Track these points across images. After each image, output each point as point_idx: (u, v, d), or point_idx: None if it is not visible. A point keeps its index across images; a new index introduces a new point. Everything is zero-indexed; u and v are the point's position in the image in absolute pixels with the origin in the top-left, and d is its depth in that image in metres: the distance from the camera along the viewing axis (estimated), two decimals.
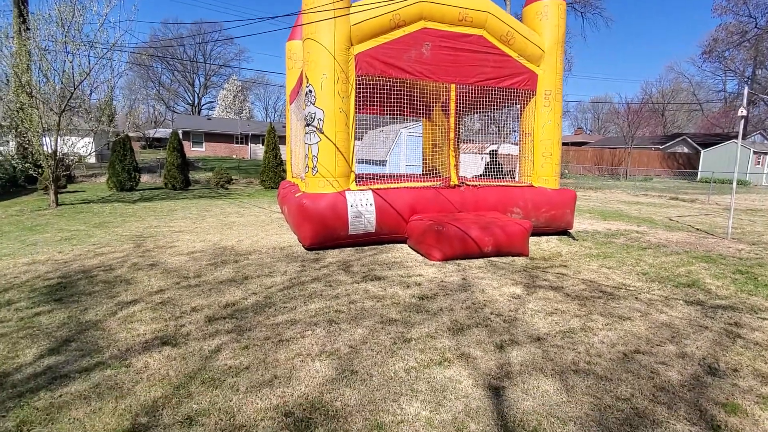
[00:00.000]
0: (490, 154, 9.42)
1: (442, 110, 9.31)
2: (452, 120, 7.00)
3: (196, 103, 64.10)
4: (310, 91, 6.06)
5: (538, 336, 3.32)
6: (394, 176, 7.56)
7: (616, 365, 2.90)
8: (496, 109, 7.38)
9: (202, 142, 38.24)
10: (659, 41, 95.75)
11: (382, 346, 3.03)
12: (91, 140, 17.50)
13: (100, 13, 9.69)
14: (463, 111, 7.19)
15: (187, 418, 2.12)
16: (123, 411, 2.19)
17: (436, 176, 7.43)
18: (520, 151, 7.72)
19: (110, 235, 7.09)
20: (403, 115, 9.39)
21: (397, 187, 6.64)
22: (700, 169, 28.13)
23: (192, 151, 35.79)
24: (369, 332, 3.26)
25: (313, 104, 6.04)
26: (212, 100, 66.51)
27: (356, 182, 6.52)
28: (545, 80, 7.27)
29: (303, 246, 6.26)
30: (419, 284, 4.60)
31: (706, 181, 25.40)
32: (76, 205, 10.97)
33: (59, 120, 10.15)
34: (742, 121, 8.09)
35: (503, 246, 5.97)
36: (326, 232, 6.02)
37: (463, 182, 7.11)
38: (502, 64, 7.01)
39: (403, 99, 7.13)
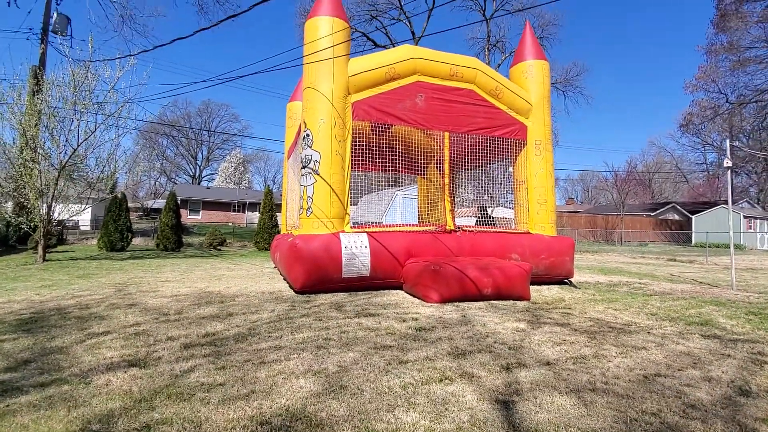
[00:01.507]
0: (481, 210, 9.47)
1: (437, 167, 9.56)
2: (446, 166, 7.12)
3: (197, 174, 65.96)
4: (308, 135, 6.22)
5: (547, 361, 3.01)
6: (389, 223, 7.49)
7: (636, 386, 2.59)
8: (490, 158, 7.56)
9: (199, 210, 38.64)
10: (640, 114, 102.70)
11: (374, 366, 2.72)
12: (89, 206, 17.66)
13: (112, 77, 10.29)
14: (458, 159, 7.36)
15: (145, 426, 1.80)
16: (74, 419, 1.87)
17: (433, 223, 7.38)
18: (514, 199, 7.78)
19: (91, 283, 6.79)
20: (400, 171, 9.62)
21: (393, 231, 6.54)
22: (693, 232, 28.42)
23: (189, 218, 36.02)
24: (361, 356, 2.95)
25: (310, 147, 6.17)
26: (213, 172, 68.58)
27: (351, 225, 6.43)
28: (535, 131, 7.56)
29: (294, 290, 5.98)
30: (416, 319, 4.31)
31: (701, 246, 25.51)
32: (62, 261, 10.67)
33: (58, 176, 10.27)
34: (729, 171, 8.30)
35: (503, 288, 5.72)
36: (319, 275, 5.78)
37: (459, 228, 7.04)
38: (492, 116, 7.33)
39: (399, 153, 7.33)
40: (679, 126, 33.24)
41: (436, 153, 7.87)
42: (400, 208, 16.39)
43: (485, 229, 7.29)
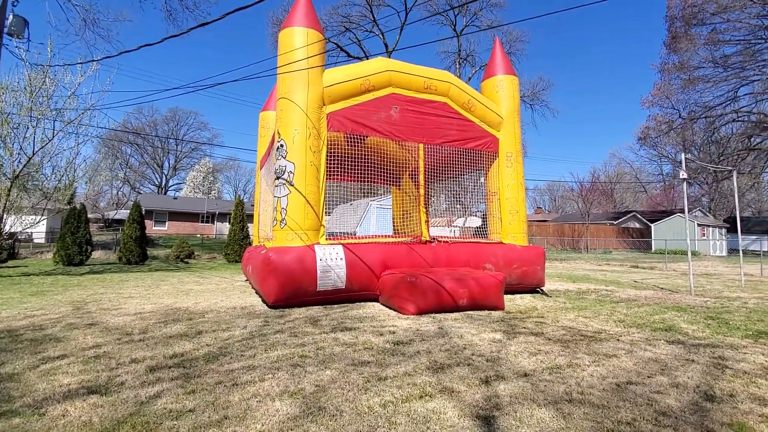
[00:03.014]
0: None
1: (411, 178, 9.63)
2: (421, 177, 7.18)
3: (163, 184, 63.72)
4: (282, 146, 6.13)
5: (524, 372, 3.03)
6: (365, 235, 7.43)
7: (611, 395, 2.64)
8: (463, 169, 7.68)
9: (165, 221, 37.24)
10: (602, 127, 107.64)
11: (353, 384, 2.65)
12: (44, 218, 16.67)
13: (72, 83, 9.84)
14: (432, 170, 7.44)
15: None
16: None
17: (408, 234, 7.39)
18: (487, 210, 7.91)
19: (46, 301, 6.36)
20: (375, 182, 9.62)
21: (369, 242, 6.50)
22: (653, 242, 29.90)
23: (154, 230, 34.62)
24: (339, 373, 2.88)
25: (284, 158, 6.07)
26: (181, 181, 66.46)
27: (326, 237, 6.34)
28: (506, 143, 7.75)
29: (266, 304, 5.81)
30: (393, 332, 4.26)
31: (660, 252, 26.81)
32: (14, 278, 9.97)
33: (10, 186, 9.66)
34: (684, 182, 8.77)
35: (478, 299, 5.77)
36: (293, 287, 5.65)
37: (434, 238, 7.08)
38: (465, 128, 7.46)
39: (374, 163, 7.33)
40: (638, 139, 35.11)
41: (411, 164, 7.92)
42: (374, 217, 16.38)
43: (460, 240, 7.36)
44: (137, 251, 14.64)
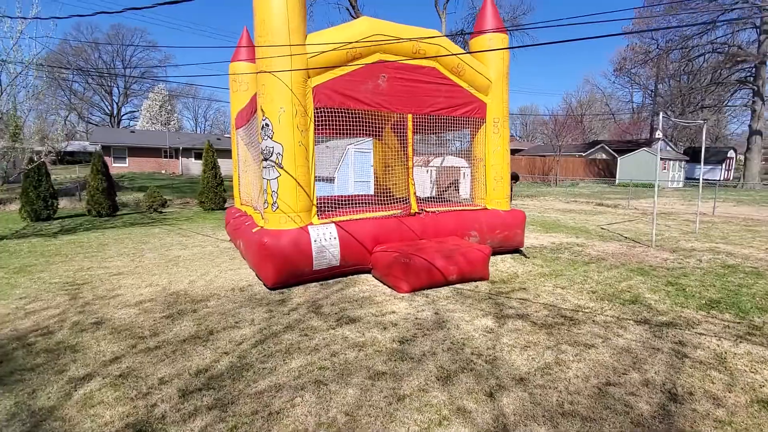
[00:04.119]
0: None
1: (392, 131, 9.46)
2: (410, 149, 7.13)
3: (115, 113, 59.05)
4: (267, 125, 5.86)
5: (520, 376, 3.47)
6: (351, 201, 7.47)
7: (595, 402, 3.12)
8: (448, 132, 7.64)
9: (125, 158, 35.29)
10: (576, 55, 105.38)
11: (377, 409, 2.99)
12: None
13: (13, 29, 8.62)
14: (419, 137, 7.36)
15: None
16: None
17: (395, 202, 7.51)
18: (472, 175, 8.06)
19: (37, 284, 6.27)
20: (355, 136, 9.39)
21: (360, 219, 6.62)
22: (617, 175, 31.41)
23: (114, 167, 32.85)
24: (360, 392, 3.20)
25: (271, 138, 5.85)
26: (134, 109, 61.71)
27: (318, 215, 6.39)
28: (493, 109, 7.68)
29: (265, 286, 6.00)
30: (395, 324, 4.61)
31: (624, 186, 28.30)
32: None
33: None
34: (659, 142, 9.13)
35: (466, 273, 6.17)
36: (290, 270, 5.83)
37: (422, 209, 7.26)
38: (454, 94, 7.29)
39: (356, 123, 7.08)
40: (614, 70, 34.89)
41: (393, 117, 7.72)
42: (351, 162, 16.20)
43: (446, 209, 7.58)
44: (106, 203, 14.11)
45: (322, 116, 6.35)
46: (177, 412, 2.97)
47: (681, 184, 33.22)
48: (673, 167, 32.32)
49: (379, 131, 10.00)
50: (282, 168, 5.86)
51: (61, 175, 30.11)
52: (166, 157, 36.52)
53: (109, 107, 59.41)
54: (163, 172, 35.05)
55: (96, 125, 53.12)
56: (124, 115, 60.78)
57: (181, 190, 23.20)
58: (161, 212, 15.45)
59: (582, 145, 41.28)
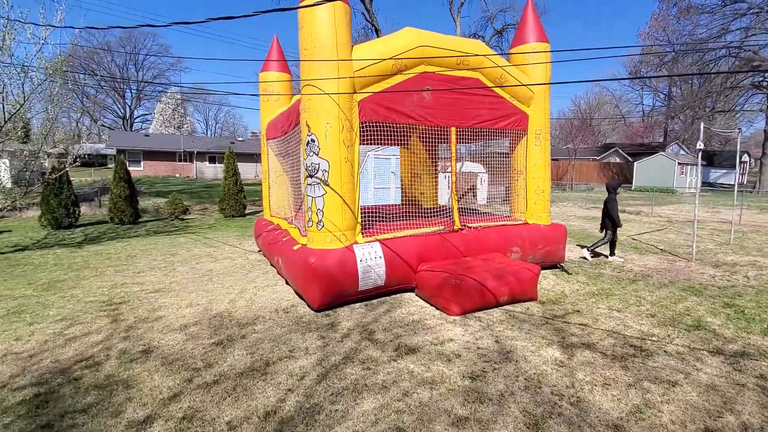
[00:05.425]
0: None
1: (419, 138, 9.22)
2: (453, 162, 6.89)
3: (128, 115, 59.40)
4: (313, 141, 5.65)
5: (614, 423, 3.22)
6: (389, 213, 7.25)
7: None
8: (491, 143, 7.41)
9: (140, 161, 35.35)
10: (590, 53, 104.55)
11: None
12: (5, 162, 15.36)
13: (36, 36, 8.49)
14: (461, 152, 7.13)
15: None
16: None
17: (435, 215, 7.28)
18: (512, 189, 7.81)
19: (71, 303, 6.10)
20: (382, 144, 9.14)
21: (405, 236, 6.39)
22: (633, 180, 30.91)
23: (129, 171, 32.90)
24: None
25: (317, 154, 5.64)
26: (147, 112, 62.03)
27: (362, 233, 6.17)
28: (535, 120, 7.42)
29: (310, 307, 5.79)
30: (458, 355, 4.37)
31: (640, 191, 27.85)
32: (8, 255, 9.42)
33: None
34: (700, 153, 8.81)
35: (517, 294, 5.93)
36: (336, 291, 5.61)
37: (465, 225, 7.02)
38: (496, 106, 7.05)
39: (401, 137, 6.83)
40: (629, 73, 34.40)
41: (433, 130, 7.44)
42: (372, 171, 15.99)
43: (487, 224, 7.33)
44: (129, 211, 14.02)
45: (366, 130, 6.15)
46: None
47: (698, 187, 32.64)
48: (691, 172, 31.78)
49: (405, 139, 9.75)
50: (328, 185, 5.64)
51: (75, 178, 30.16)
52: (180, 160, 36.48)
53: (122, 110, 59.73)
54: (177, 175, 35.02)
55: (109, 128, 53.37)
56: (136, 117, 61.08)
57: (199, 196, 23.11)
58: (183, 219, 15.33)
59: (595, 149, 40.79)
